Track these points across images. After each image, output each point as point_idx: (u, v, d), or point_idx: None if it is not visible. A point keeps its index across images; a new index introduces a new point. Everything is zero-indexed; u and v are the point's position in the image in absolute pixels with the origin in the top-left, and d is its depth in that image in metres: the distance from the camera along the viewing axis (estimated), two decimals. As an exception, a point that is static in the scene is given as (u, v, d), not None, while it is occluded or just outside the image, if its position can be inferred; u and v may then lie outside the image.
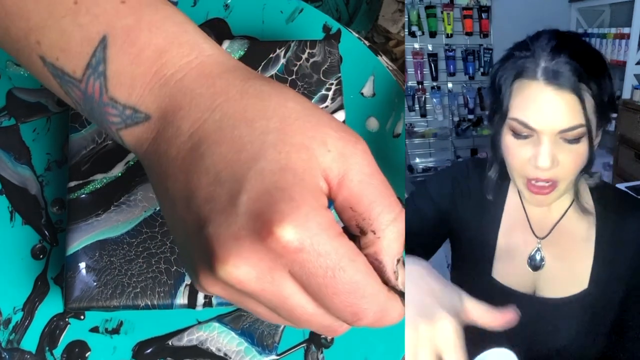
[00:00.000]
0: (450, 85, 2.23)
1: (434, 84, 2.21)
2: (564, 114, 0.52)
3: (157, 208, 0.52)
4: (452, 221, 0.64)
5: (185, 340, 0.54)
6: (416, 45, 2.17)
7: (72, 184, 0.53)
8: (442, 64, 2.21)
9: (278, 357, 0.54)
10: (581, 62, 0.52)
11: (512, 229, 0.61)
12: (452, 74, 2.23)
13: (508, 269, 0.61)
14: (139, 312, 0.54)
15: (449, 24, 2.17)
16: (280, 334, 0.54)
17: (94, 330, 0.54)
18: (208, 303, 0.50)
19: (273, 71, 0.58)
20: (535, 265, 0.60)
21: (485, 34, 2.22)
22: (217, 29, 0.63)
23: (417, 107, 2.21)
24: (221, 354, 0.53)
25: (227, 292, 0.36)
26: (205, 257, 0.34)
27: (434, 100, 2.21)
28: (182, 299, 0.50)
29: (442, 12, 2.17)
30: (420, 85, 2.20)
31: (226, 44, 0.57)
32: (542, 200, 0.56)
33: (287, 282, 0.34)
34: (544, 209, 0.60)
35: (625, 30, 1.77)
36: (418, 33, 2.16)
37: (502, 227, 0.62)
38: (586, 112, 0.52)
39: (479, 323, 0.42)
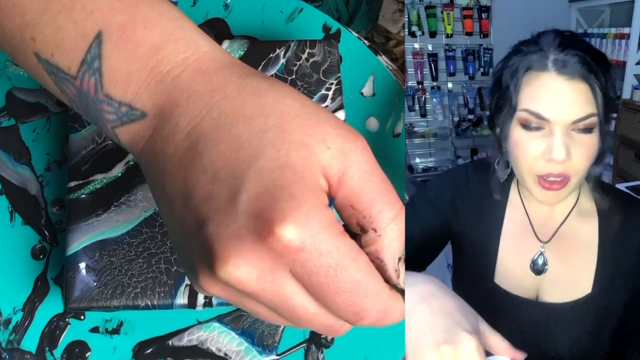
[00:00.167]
0: (450, 85, 2.23)
1: (434, 84, 2.21)
2: (576, 103, 0.52)
3: (157, 208, 0.52)
4: (453, 226, 0.64)
5: (186, 340, 0.54)
6: (416, 45, 2.17)
7: (72, 184, 0.53)
8: (442, 64, 2.21)
9: (278, 357, 0.54)
10: (589, 55, 0.52)
11: (514, 232, 0.61)
12: (452, 74, 2.23)
13: (510, 274, 0.60)
14: (139, 312, 0.54)
15: (449, 24, 2.17)
16: (281, 334, 0.54)
17: (94, 330, 0.54)
18: (208, 303, 0.50)
19: (273, 71, 0.58)
20: (538, 269, 0.59)
21: (485, 34, 2.22)
22: (216, 29, 0.63)
23: (417, 107, 2.21)
24: (221, 354, 0.53)
25: (227, 293, 0.35)
26: (204, 257, 0.34)
27: (434, 100, 2.21)
28: (182, 299, 0.50)
29: (442, 12, 2.17)
30: (420, 85, 2.19)
31: (226, 43, 0.57)
32: (553, 197, 0.55)
33: (288, 281, 0.34)
34: (547, 211, 0.59)
35: (625, 30, 1.77)
36: (418, 33, 2.16)
37: (504, 231, 0.61)
38: (597, 100, 0.52)
39: (492, 349, 0.42)
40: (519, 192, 0.61)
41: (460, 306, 0.41)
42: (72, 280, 0.50)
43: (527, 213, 0.60)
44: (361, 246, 0.36)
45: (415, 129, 2.22)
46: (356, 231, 0.36)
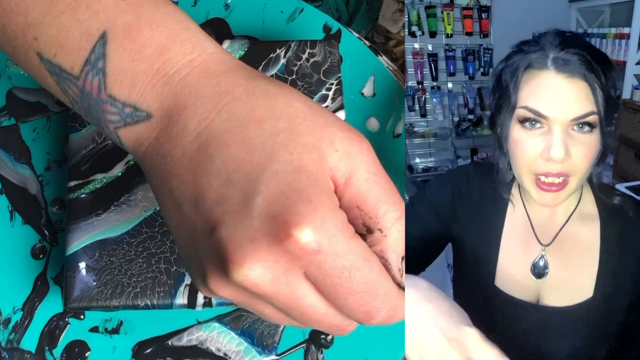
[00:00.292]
0: (450, 85, 2.23)
1: (434, 84, 2.21)
2: (575, 101, 0.51)
3: (157, 208, 0.52)
4: (453, 228, 0.63)
5: (185, 340, 0.54)
6: (416, 45, 2.17)
7: (72, 183, 0.53)
8: (442, 64, 2.21)
9: (278, 357, 0.54)
10: (589, 54, 0.52)
11: (515, 235, 0.60)
12: (452, 74, 2.23)
13: (511, 277, 0.60)
14: (138, 312, 0.54)
15: (449, 24, 2.17)
16: (280, 334, 0.54)
17: (94, 330, 0.54)
18: (208, 303, 0.50)
19: (273, 71, 0.58)
20: (538, 272, 0.59)
21: (485, 34, 2.22)
22: (217, 29, 0.63)
23: (417, 107, 2.21)
24: (221, 354, 0.53)
25: (237, 295, 0.35)
26: (216, 260, 0.34)
27: (434, 100, 2.21)
28: (181, 298, 0.50)
29: (442, 12, 2.17)
30: (420, 85, 2.19)
31: (226, 43, 0.57)
32: (551, 199, 0.54)
33: (301, 283, 0.34)
34: (548, 214, 0.59)
35: (625, 30, 1.77)
36: (418, 33, 2.16)
37: (505, 233, 0.60)
38: (597, 99, 0.52)
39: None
40: (520, 194, 0.60)
41: (454, 305, 0.42)
42: (72, 279, 0.50)
43: (528, 215, 0.60)
44: None
45: (415, 129, 2.22)
46: (362, 231, 0.36)
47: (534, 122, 0.53)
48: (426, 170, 2.21)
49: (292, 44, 0.59)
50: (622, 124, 1.72)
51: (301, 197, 0.33)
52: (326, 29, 0.64)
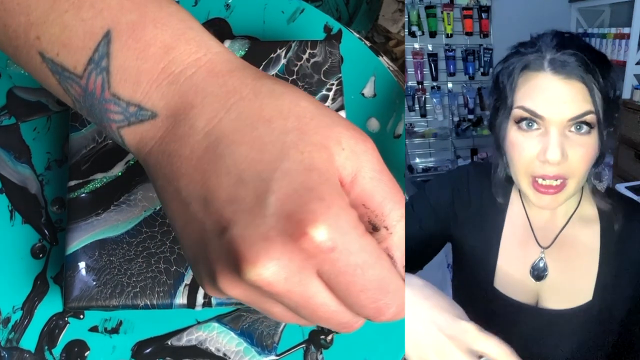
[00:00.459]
0: (450, 85, 2.23)
1: (434, 84, 2.21)
2: (572, 101, 0.51)
3: (157, 208, 0.52)
4: (452, 229, 0.63)
5: (185, 340, 0.54)
6: (416, 45, 2.17)
7: (72, 183, 0.52)
8: (442, 64, 2.21)
9: (277, 358, 0.54)
10: (587, 55, 0.52)
11: (514, 237, 0.60)
12: (452, 74, 2.23)
13: (510, 279, 0.59)
14: (138, 312, 0.54)
15: (449, 24, 2.17)
16: (280, 334, 0.54)
17: (93, 329, 0.54)
18: (207, 303, 0.50)
19: (274, 71, 0.58)
20: (538, 275, 0.58)
21: (485, 34, 2.22)
22: (218, 29, 0.63)
23: (417, 107, 2.21)
24: (220, 354, 0.53)
25: (247, 294, 0.35)
26: (228, 259, 0.33)
27: (434, 100, 2.21)
28: (181, 298, 0.50)
29: (442, 12, 2.16)
30: (420, 85, 2.19)
31: (227, 43, 0.57)
32: (548, 201, 0.54)
33: (313, 281, 0.34)
34: (548, 216, 0.59)
35: (625, 30, 1.77)
36: (418, 33, 2.16)
37: (504, 235, 0.60)
38: (595, 100, 0.51)
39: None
40: (520, 196, 0.60)
41: (450, 301, 0.42)
42: (72, 279, 0.50)
43: (527, 217, 0.60)
44: None
45: (415, 129, 2.22)
46: (367, 230, 0.37)
47: (530, 124, 0.53)
48: (426, 170, 2.21)
49: (293, 44, 0.59)
50: (622, 124, 1.72)
51: (314, 195, 0.33)
52: (327, 29, 0.64)
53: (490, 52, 2.22)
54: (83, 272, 0.50)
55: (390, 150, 0.62)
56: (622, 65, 1.77)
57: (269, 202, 0.33)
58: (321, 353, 0.54)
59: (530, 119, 0.52)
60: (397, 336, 0.55)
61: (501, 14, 2.21)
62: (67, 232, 0.51)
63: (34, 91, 0.59)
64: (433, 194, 0.64)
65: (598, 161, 0.55)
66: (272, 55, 0.58)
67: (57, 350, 0.53)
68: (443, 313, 0.41)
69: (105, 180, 0.53)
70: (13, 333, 0.53)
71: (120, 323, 0.54)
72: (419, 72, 2.19)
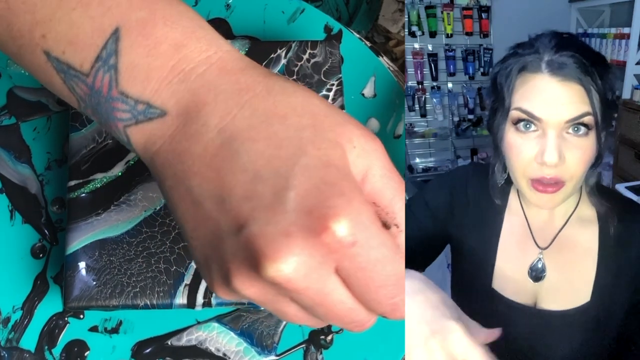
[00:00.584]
0: (450, 85, 2.23)
1: (434, 84, 2.21)
2: (570, 103, 0.51)
3: (157, 208, 0.52)
4: (451, 230, 0.63)
5: (185, 340, 0.54)
6: (416, 45, 2.17)
7: (72, 183, 0.53)
8: (442, 64, 2.21)
9: (277, 358, 0.54)
10: (585, 57, 0.51)
11: (512, 238, 0.60)
12: (452, 74, 2.23)
13: (508, 280, 0.59)
14: (138, 312, 0.54)
15: (449, 24, 2.17)
16: (280, 335, 0.54)
17: (93, 329, 0.54)
18: (207, 303, 0.50)
19: (274, 71, 0.57)
20: (536, 276, 0.58)
21: (485, 34, 2.22)
22: (218, 29, 0.63)
23: (417, 107, 2.21)
24: (220, 354, 0.53)
25: (263, 293, 0.35)
26: (245, 257, 0.33)
27: (434, 100, 2.21)
28: (181, 298, 0.50)
29: (442, 12, 2.17)
30: (420, 85, 2.20)
31: (227, 43, 0.57)
32: (547, 200, 0.54)
33: (331, 277, 0.34)
34: (546, 217, 0.58)
35: (625, 30, 1.77)
36: (418, 33, 2.16)
37: (503, 236, 0.60)
38: (593, 101, 0.51)
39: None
40: (519, 197, 0.60)
41: (444, 298, 0.42)
42: (72, 279, 0.50)
43: (526, 218, 0.59)
44: None
45: (415, 129, 2.22)
46: None
47: (527, 125, 0.52)
48: (426, 170, 2.21)
49: (293, 45, 0.59)
50: (622, 124, 1.72)
51: (335, 190, 0.33)
52: (327, 29, 0.64)
53: (490, 52, 2.22)
54: (83, 272, 0.50)
55: (390, 150, 0.61)
56: (622, 65, 1.77)
57: (289, 197, 0.33)
58: (321, 353, 0.54)
59: (527, 121, 0.52)
60: (397, 336, 0.55)
61: (501, 14, 2.21)
62: (67, 232, 0.51)
63: (34, 91, 0.59)
64: (431, 195, 0.64)
65: (596, 162, 0.54)
66: (272, 56, 0.58)
67: (57, 350, 0.53)
68: (432, 309, 0.41)
69: (105, 180, 0.53)
70: (13, 333, 0.53)
71: (120, 323, 0.54)
72: (419, 72, 2.19)
